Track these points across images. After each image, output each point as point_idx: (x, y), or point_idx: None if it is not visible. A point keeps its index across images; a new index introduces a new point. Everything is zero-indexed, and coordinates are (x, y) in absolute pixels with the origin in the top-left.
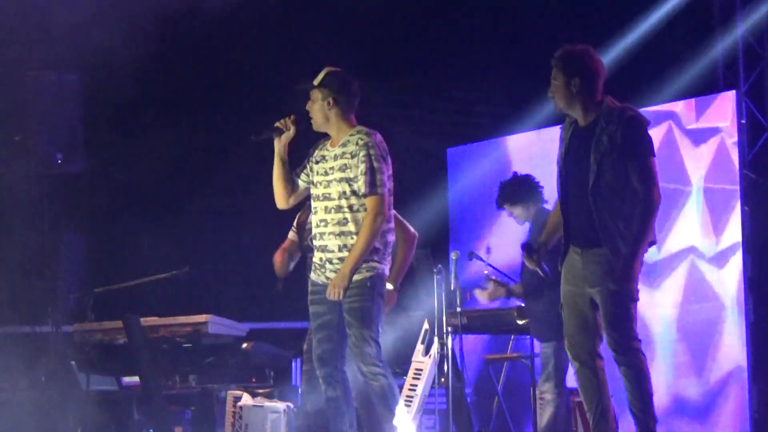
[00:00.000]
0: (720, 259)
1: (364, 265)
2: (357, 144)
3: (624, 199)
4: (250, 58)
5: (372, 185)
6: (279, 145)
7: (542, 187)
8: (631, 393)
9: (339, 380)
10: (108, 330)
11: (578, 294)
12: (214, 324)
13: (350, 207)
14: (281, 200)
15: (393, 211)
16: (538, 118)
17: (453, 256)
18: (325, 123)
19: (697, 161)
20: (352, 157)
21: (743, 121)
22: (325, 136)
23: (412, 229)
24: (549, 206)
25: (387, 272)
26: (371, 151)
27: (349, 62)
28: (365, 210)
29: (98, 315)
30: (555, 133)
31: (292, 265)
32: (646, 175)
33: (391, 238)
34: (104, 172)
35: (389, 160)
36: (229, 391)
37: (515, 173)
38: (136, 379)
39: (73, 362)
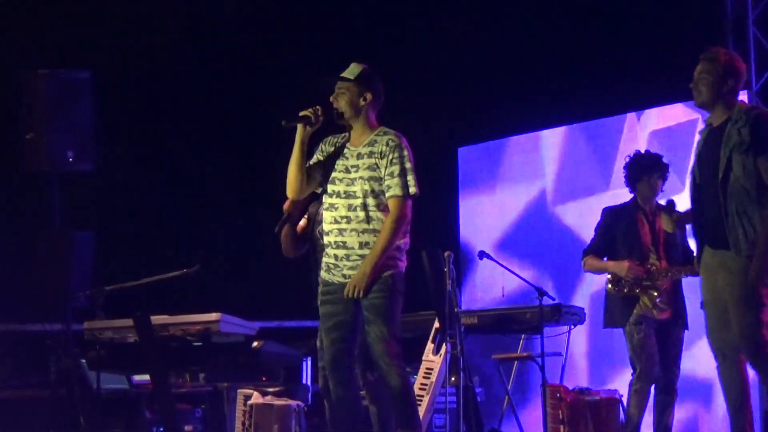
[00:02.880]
0: None
1: (382, 264)
2: (388, 145)
3: (753, 198)
4: (259, 55)
5: (405, 187)
6: (303, 134)
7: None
8: None
9: (350, 380)
10: (118, 328)
11: (716, 291)
12: (225, 322)
13: (377, 206)
14: (296, 190)
15: None
16: (550, 119)
17: (445, 255)
18: (354, 117)
19: None
20: (382, 157)
21: None
22: (339, 132)
23: None
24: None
25: (404, 270)
26: (404, 153)
27: (360, 58)
28: (387, 209)
29: (109, 313)
30: (565, 133)
31: (294, 247)
32: None
33: (406, 238)
34: (115, 171)
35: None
36: (239, 390)
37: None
38: (146, 377)
39: (83, 360)
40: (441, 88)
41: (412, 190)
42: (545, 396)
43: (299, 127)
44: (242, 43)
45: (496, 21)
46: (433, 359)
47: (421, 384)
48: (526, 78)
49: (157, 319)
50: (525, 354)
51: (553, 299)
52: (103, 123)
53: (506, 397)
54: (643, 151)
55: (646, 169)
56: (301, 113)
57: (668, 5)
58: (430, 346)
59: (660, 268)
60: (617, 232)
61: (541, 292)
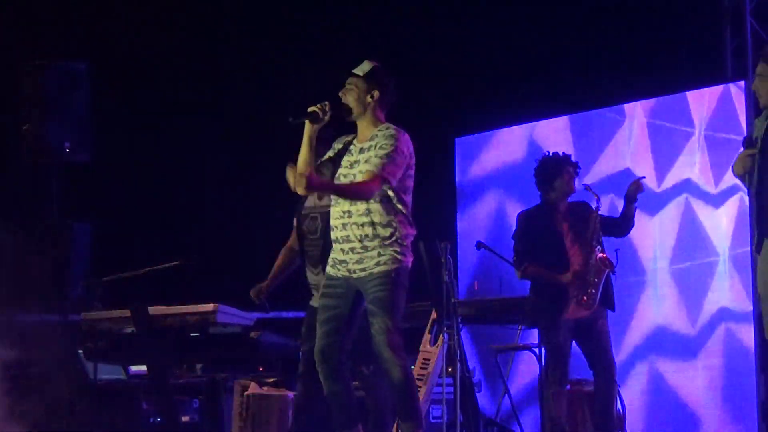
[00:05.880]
0: (717, 200)
1: (388, 258)
2: (384, 136)
3: None
4: (260, 47)
5: (380, 167)
6: (311, 130)
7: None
8: None
9: (339, 373)
10: (116, 319)
11: None
12: (222, 313)
13: (376, 198)
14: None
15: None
16: (547, 109)
17: (442, 245)
18: (361, 114)
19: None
20: (376, 144)
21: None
22: (350, 131)
23: None
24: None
25: (409, 265)
26: (395, 143)
27: (357, 49)
28: (388, 200)
29: (106, 304)
30: (562, 123)
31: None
32: None
33: (410, 231)
34: (112, 161)
35: (411, 162)
36: (236, 381)
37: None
38: (143, 368)
39: (80, 351)
40: (438, 78)
41: (384, 173)
42: (542, 386)
43: (307, 123)
44: (243, 33)
45: (493, 10)
46: (430, 350)
47: (419, 375)
48: (524, 68)
49: (154, 309)
50: (522, 345)
51: None
52: (100, 114)
53: (504, 387)
54: (560, 153)
55: (562, 164)
56: (309, 109)
57: None
58: (427, 336)
59: (597, 261)
60: (536, 236)
61: None
